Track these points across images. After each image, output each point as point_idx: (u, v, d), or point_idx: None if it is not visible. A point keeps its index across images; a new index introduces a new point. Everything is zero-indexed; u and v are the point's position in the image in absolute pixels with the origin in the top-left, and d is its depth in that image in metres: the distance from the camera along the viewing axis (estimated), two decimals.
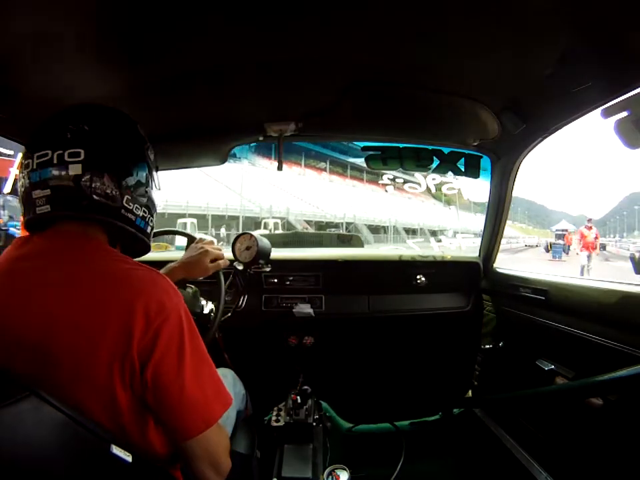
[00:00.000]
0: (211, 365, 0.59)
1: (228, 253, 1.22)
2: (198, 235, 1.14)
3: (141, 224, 0.62)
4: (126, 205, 0.58)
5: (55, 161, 0.53)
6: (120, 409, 0.52)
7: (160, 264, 1.44)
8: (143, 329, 0.50)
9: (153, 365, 0.50)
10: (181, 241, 1.20)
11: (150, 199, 0.64)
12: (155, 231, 0.69)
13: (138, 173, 0.61)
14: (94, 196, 0.55)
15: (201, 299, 1.08)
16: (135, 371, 0.50)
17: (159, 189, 0.69)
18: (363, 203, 29.48)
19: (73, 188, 0.54)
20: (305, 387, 1.33)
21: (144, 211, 0.62)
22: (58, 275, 0.52)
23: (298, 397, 1.30)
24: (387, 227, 28.37)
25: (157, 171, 0.69)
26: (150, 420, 0.57)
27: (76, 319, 0.49)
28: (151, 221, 0.66)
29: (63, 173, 0.53)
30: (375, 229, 27.32)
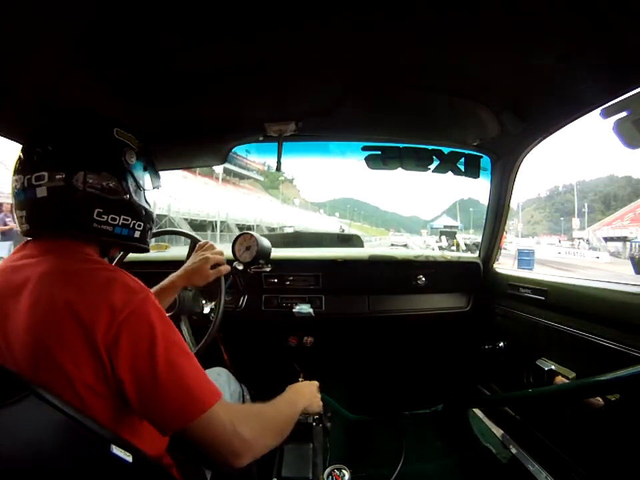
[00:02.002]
0: (190, 357, 0.57)
1: (228, 251, 1.22)
2: None
3: (122, 232, 0.63)
4: (97, 218, 0.59)
5: (26, 185, 0.57)
6: (96, 408, 0.52)
7: (160, 264, 1.45)
8: (107, 325, 0.51)
9: (123, 359, 0.51)
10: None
11: (133, 205, 0.64)
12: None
13: (112, 183, 0.60)
14: (62, 215, 0.58)
15: (201, 299, 1.08)
16: (105, 366, 0.51)
17: (144, 189, 0.67)
18: (190, 196, 25.52)
19: (42, 209, 0.58)
20: None
21: (124, 219, 0.62)
22: (38, 276, 0.55)
23: None
24: (215, 222, 24.57)
25: (149, 170, 0.69)
26: (135, 421, 0.58)
27: (49, 315, 0.52)
28: (139, 225, 0.65)
29: (32, 196, 0.57)
30: (200, 225, 23.59)
